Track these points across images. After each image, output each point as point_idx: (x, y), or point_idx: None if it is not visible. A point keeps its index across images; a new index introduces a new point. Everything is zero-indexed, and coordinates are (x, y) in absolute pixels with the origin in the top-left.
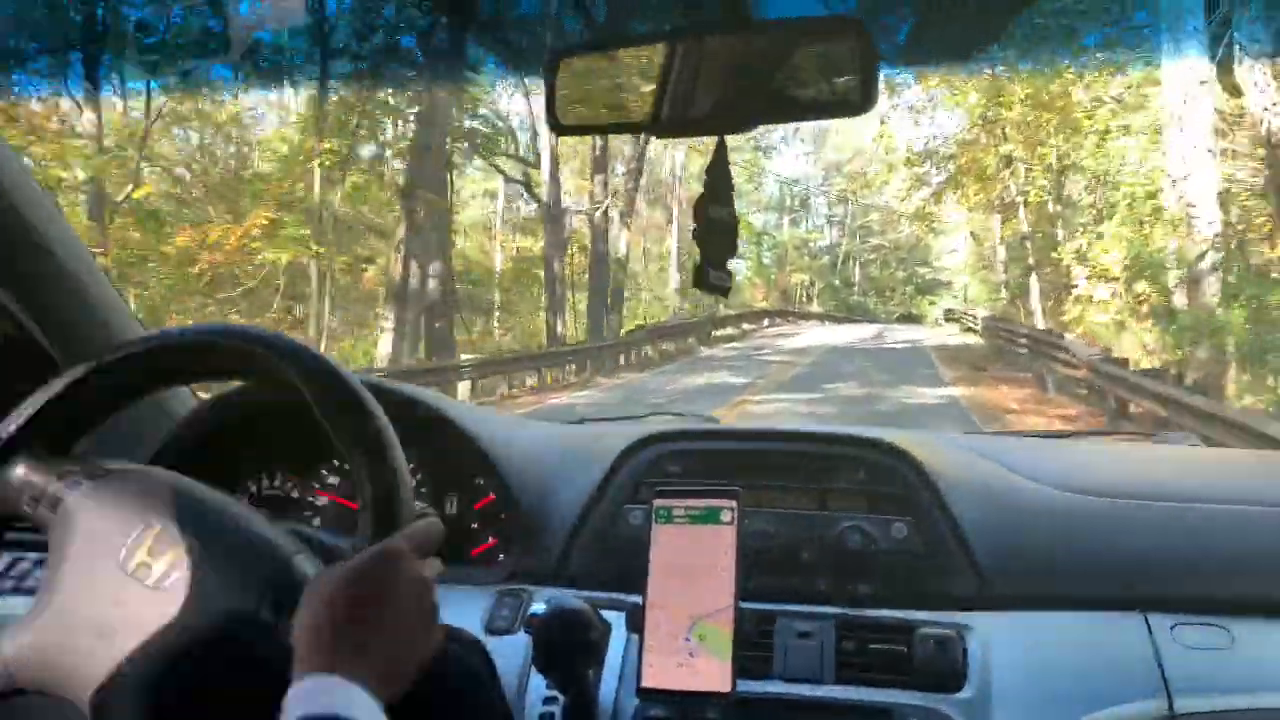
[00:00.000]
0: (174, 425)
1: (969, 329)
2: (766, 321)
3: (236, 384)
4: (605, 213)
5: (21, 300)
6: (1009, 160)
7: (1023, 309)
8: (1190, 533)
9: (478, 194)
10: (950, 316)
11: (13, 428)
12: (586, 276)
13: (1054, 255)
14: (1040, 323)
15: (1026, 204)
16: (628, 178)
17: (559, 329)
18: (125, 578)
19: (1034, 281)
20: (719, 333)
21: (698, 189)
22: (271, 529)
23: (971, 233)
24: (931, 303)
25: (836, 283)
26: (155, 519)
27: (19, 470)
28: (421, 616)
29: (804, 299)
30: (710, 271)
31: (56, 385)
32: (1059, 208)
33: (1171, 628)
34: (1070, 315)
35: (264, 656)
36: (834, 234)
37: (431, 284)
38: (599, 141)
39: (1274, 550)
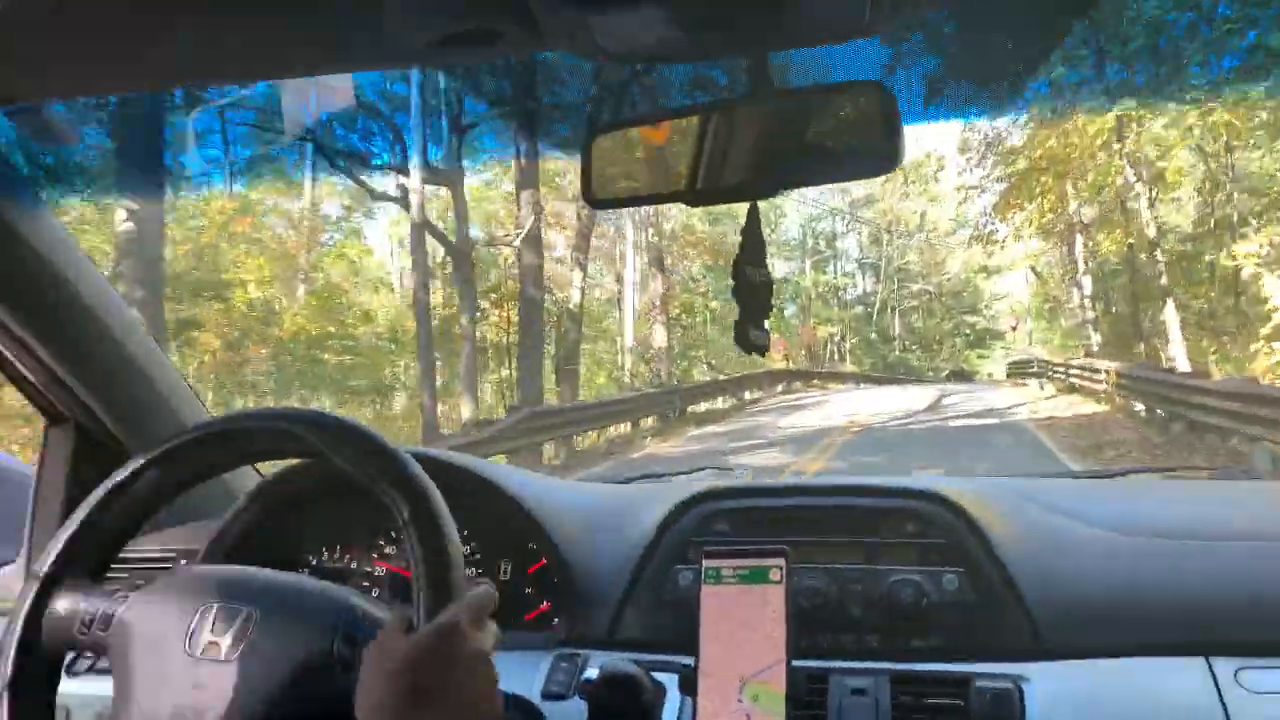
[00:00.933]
0: (236, 505)
1: (1070, 385)
2: (781, 387)
3: (299, 462)
4: (539, 244)
5: (90, 387)
6: (1119, 134)
7: (1145, 350)
8: (1250, 572)
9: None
10: (1022, 370)
11: (48, 565)
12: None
13: (1218, 259)
14: (1184, 367)
15: (1162, 187)
16: (581, 203)
17: (459, 411)
18: (197, 661)
19: (1171, 311)
20: (701, 407)
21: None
22: (322, 584)
23: (1033, 268)
24: (981, 356)
25: (873, 336)
26: (210, 600)
27: (63, 603)
28: (481, 689)
29: (834, 356)
30: (750, 330)
31: (80, 513)
32: (1219, 196)
33: (1235, 672)
34: (1266, 354)
35: (348, 686)
36: (868, 281)
37: None
38: (525, 146)
39: None
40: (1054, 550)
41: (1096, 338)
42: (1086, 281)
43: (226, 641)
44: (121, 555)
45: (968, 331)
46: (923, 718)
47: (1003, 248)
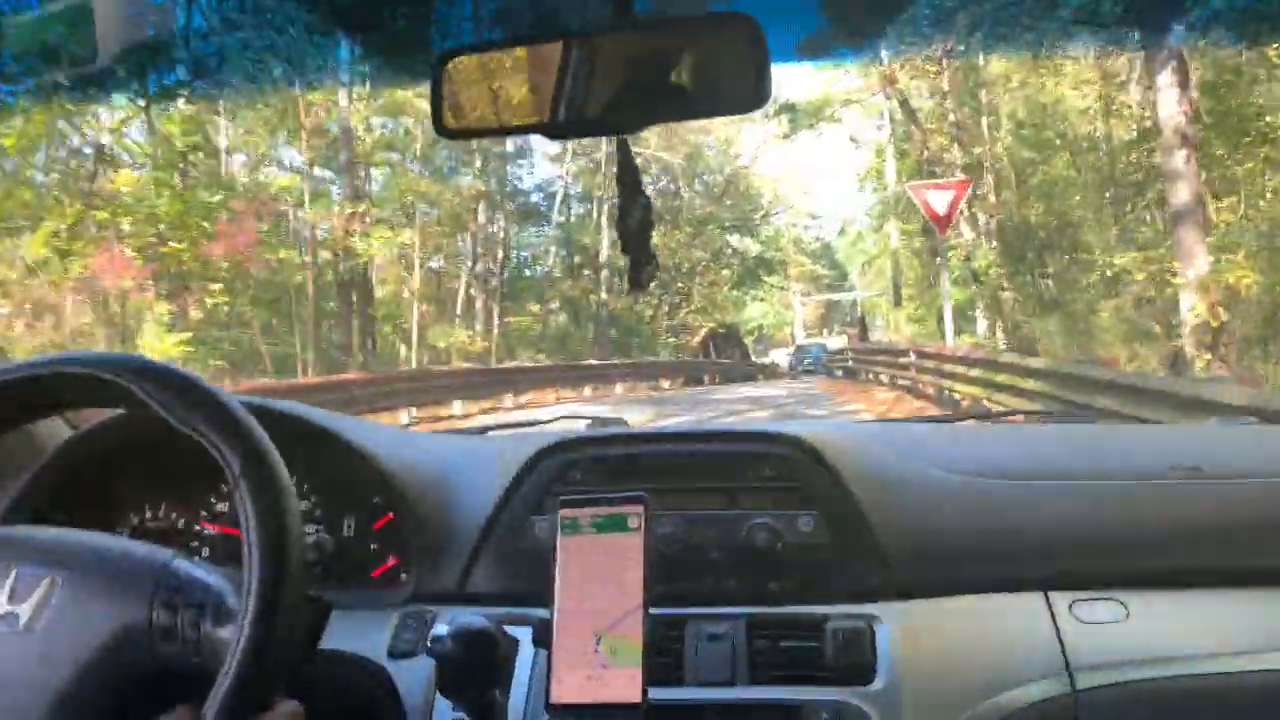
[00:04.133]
0: (40, 460)
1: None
2: None
3: (111, 413)
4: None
5: None
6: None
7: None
8: (1082, 509)
9: None
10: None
11: None
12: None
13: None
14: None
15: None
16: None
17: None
18: None
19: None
20: None
21: None
22: (139, 544)
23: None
24: (760, 299)
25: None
26: (7, 564)
27: None
28: None
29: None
30: (644, 268)
31: None
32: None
33: (1070, 605)
34: None
35: (169, 655)
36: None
37: None
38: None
39: (1160, 522)
40: (905, 492)
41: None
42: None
43: (26, 610)
44: None
45: (739, 262)
46: (779, 660)
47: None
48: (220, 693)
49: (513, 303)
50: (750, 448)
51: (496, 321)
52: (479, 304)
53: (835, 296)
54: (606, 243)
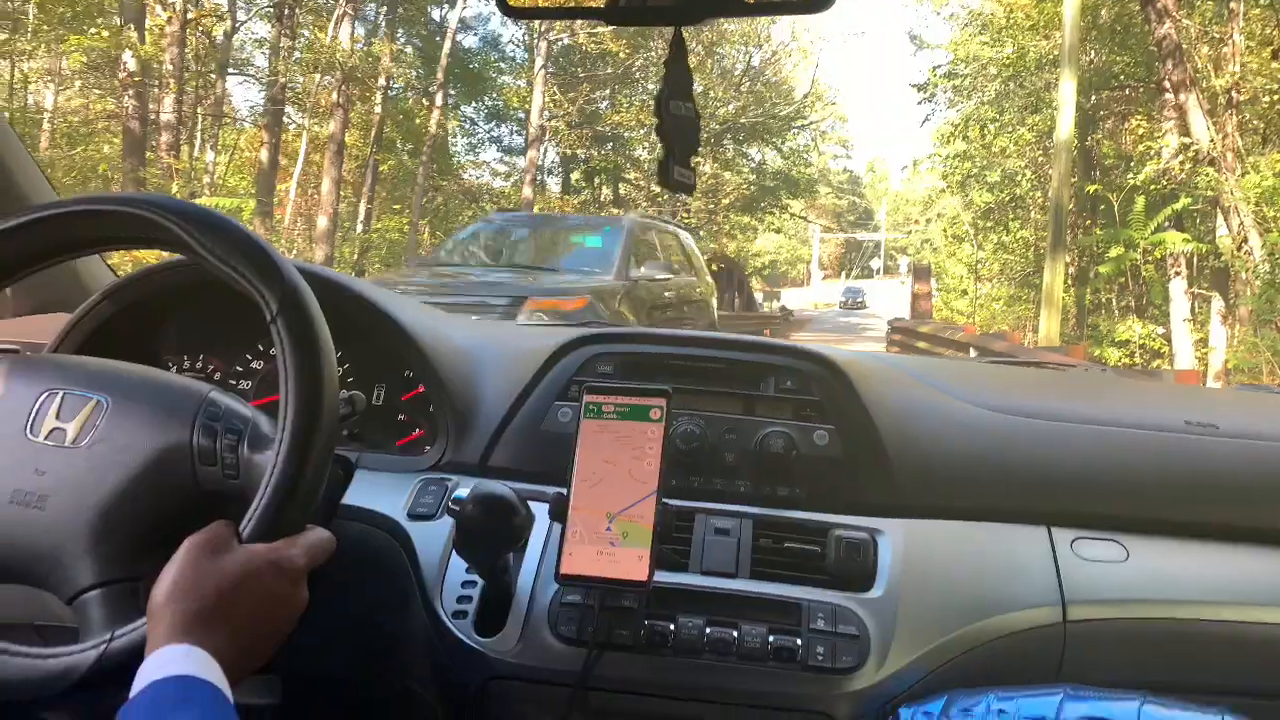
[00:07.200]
0: (89, 300)
1: None
2: None
3: (163, 260)
4: None
5: None
6: None
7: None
8: (1095, 452)
9: None
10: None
11: None
12: None
13: None
14: None
15: None
16: None
17: None
18: (39, 445)
19: None
20: None
21: None
22: (181, 377)
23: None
24: (776, 229)
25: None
26: (57, 386)
27: None
28: (289, 620)
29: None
30: (674, 169)
31: None
32: None
33: (1072, 541)
34: None
35: (208, 477)
36: None
37: None
38: None
39: (1169, 472)
40: (922, 416)
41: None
42: None
43: (72, 428)
44: None
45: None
46: (781, 560)
47: None
48: (256, 511)
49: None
50: (776, 359)
51: None
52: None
53: (860, 236)
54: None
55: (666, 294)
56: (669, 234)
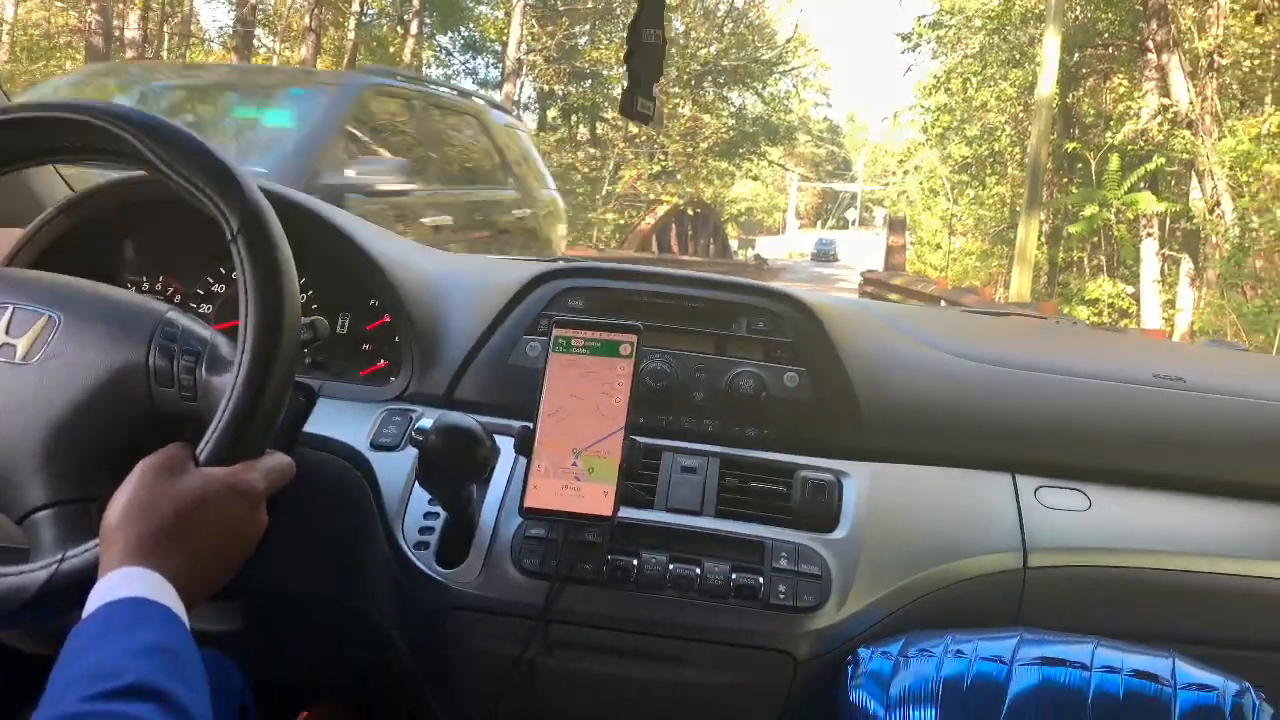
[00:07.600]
0: (42, 215)
1: None
2: None
3: (119, 175)
4: None
5: None
6: None
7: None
8: (1061, 401)
9: None
10: None
11: None
12: None
13: None
14: None
15: None
16: None
17: None
18: None
19: None
20: None
21: None
22: (137, 295)
23: None
24: (754, 175)
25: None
26: (7, 300)
27: None
28: (246, 544)
29: None
30: (638, 100)
31: None
32: None
33: (1036, 489)
34: None
35: (165, 398)
36: None
37: None
38: None
39: (1134, 424)
40: (893, 361)
41: None
42: None
43: (22, 344)
44: None
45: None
46: (746, 499)
47: None
48: (214, 433)
49: None
50: (749, 299)
51: None
52: None
53: (837, 186)
54: None
55: (431, 212)
56: (456, 115)
